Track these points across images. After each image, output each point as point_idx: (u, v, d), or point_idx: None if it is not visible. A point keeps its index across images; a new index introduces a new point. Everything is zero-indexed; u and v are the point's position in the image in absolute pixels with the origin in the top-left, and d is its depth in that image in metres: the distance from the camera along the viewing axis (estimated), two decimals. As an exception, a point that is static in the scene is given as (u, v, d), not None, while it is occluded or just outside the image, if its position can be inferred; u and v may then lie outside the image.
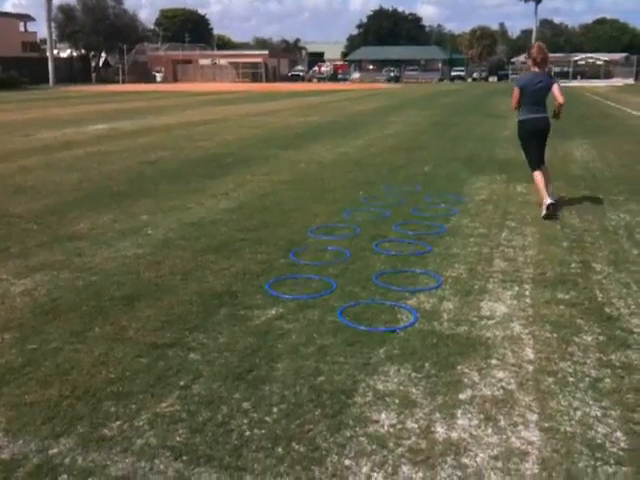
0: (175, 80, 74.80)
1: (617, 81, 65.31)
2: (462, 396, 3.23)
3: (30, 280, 4.93)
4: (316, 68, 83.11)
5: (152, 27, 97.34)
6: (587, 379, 3.40)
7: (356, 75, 79.94)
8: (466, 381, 3.38)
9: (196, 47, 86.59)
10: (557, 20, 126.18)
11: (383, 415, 3.06)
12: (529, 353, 3.71)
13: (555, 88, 7.15)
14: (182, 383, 3.35)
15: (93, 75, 69.77)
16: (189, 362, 3.59)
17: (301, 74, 79.74)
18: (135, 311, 4.32)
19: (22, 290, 4.71)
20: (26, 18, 78.08)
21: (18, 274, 5.07)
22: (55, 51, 66.45)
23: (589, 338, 3.90)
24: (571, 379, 3.40)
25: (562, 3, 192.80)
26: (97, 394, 3.22)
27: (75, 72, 68.06)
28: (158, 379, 3.38)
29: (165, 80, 74.04)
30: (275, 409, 3.11)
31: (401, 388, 3.32)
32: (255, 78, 74.77)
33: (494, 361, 3.61)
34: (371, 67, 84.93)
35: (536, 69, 7.15)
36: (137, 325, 4.08)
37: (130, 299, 4.54)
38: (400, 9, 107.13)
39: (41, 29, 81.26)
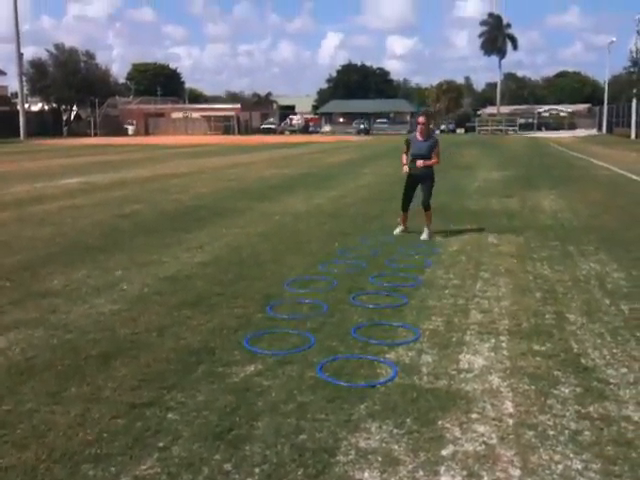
0: (147, 133, 75.12)
1: (581, 132, 67.19)
2: (444, 452, 3.23)
3: (4, 339, 4.84)
4: (288, 121, 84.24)
5: (124, 81, 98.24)
6: (567, 432, 3.42)
7: (327, 128, 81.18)
8: (448, 436, 3.38)
9: (168, 100, 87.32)
10: (520, 73, 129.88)
11: (366, 474, 3.04)
12: (509, 406, 3.73)
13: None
14: (161, 444, 3.30)
15: (65, 128, 69.77)
16: (168, 422, 3.54)
17: (273, 127, 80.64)
18: (111, 370, 4.26)
19: (-5, 350, 4.62)
20: (-3, 72, 78.31)
21: (-9, 333, 4.97)
22: (26, 105, 66.45)
23: (567, 390, 3.94)
24: (551, 432, 3.42)
25: (524, 56, 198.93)
26: (75, 457, 3.15)
27: (46, 125, 68.03)
28: (136, 440, 3.32)
29: (137, 133, 74.34)
30: (257, 470, 3.07)
31: (383, 445, 3.30)
32: (227, 131, 75.44)
33: (475, 415, 3.62)
34: (341, 120, 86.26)
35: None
36: (114, 384, 4.02)
37: (106, 357, 4.48)
38: (368, 64, 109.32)
39: (12, 83, 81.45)
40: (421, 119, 8.86)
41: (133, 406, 3.71)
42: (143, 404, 3.74)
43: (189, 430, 3.44)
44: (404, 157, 8.92)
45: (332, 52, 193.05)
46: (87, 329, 5.08)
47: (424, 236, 8.72)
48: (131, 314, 5.46)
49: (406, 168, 8.85)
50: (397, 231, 9.13)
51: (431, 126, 9.24)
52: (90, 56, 76.14)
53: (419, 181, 8.91)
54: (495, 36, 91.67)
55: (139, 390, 3.93)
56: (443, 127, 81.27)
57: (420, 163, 8.65)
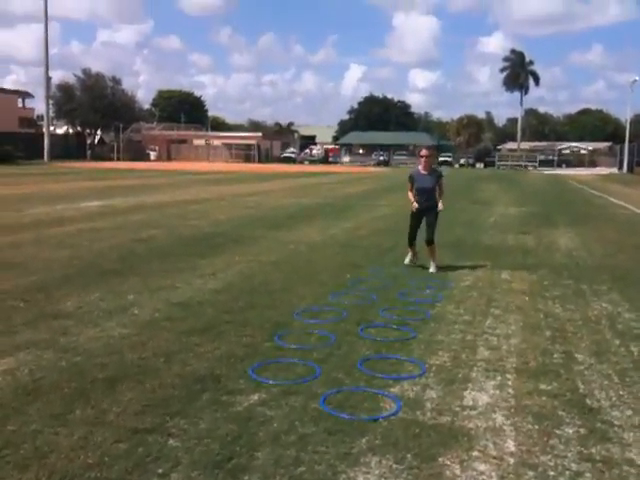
0: (169, 159, 76.02)
1: (601, 170, 66.90)
2: (443, 489, 3.22)
3: (13, 359, 4.91)
4: (308, 150, 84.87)
5: (149, 107, 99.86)
6: (567, 472, 3.40)
7: (346, 158, 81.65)
8: (447, 473, 3.37)
9: (191, 127, 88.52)
10: (542, 109, 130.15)
11: (363, 508, 3.03)
12: (511, 445, 3.71)
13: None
14: (160, 471, 3.32)
15: (88, 152, 70.84)
16: (169, 449, 3.56)
17: (293, 156, 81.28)
18: (117, 394, 4.30)
19: (5, 369, 4.69)
20: (25, 95, 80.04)
21: (2, 352, 5.05)
22: (52, 127, 67.71)
23: (570, 430, 3.91)
24: (552, 473, 3.40)
25: (546, 93, 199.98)
26: (74, 479, 3.18)
27: (70, 148, 69.12)
28: (137, 465, 3.35)
29: (159, 158, 75.24)
30: (254, 499, 3.07)
31: None
32: (248, 159, 76.12)
33: (476, 453, 3.61)
34: (361, 151, 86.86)
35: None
36: (118, 409, 4.06)
37: (112, 381, 4.52)
38: (390, 96, 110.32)
39: (39, 105, 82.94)
40: (424, 152, 8.82)
41: (136, 431, 3.74)
42: (146, 429, 3.77)
43: (189, 457, 3.46)
44: (410, 194, 8.89)
45: (354, 84, 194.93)
46: (96, 352, 5.14)
47: (432, 269, 8.76)
48: (140, 339, 5.52)
49: (416, 204, 8.77)
50: (407, 260, 9.21)
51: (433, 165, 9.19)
52: (116, 81, 77.76)
53: (423, 214, 8.86)
54: (517, 72, 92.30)
55: (143, 415, 3.97)
56: (463, 161, 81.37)
57: (440, 207, 8.77)
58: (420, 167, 8.80)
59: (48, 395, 4.23)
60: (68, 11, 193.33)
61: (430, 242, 8.82)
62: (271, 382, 4.56)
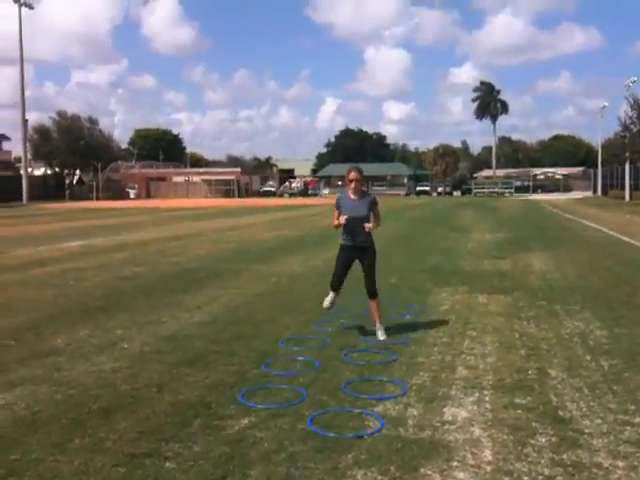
0: (148, 197, 76.14)
1: (576, 194, 68.13)
2: (425, 496, 3.45)
3: (10, 394, 5.08)
4: (287, 184, 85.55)
5: (126, 146, 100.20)
6: (540, 477, 3.65)
7: (325, 191, 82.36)
8: (429, 482, 3.60)
9: (170, 165, 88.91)
10: (515, 137, 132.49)
11: (351, 515, 3.25)
12: (487, 455, 3.95)
13: None
14: (159, 490, 3.51)
15: (67, 192, 70.75)
16: (165, 470, 3.76)
17: (272, 189, 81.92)
18: (112, 423, 4.49)
19: (2, 404, 4.86)
20: (1, 138, 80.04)
21: (-2, 389, 5.21)
22: (29, 169, 67.69)
23: (543, 439, 4.17)
24: (526, 478, 3.64)
25: (518, 120, 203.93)
26: (78, 502, 3.36)
27: (49, 189, 69.07)
28: (136, 487, 3.54)
29: (139, 197, 75.32)
30: (249, 512, 3.27)
31: (368, 490, 3.52)
32: (228, 194, 76.45)
33: (455, 463, 3.84)
34: (340, 183, 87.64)
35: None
36: (114, 436, 4.25)
37: (107, 411, 4.71)
38: (365, 129, 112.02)
39: (16, 148, 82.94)
40: (353, 175, 6.91)
41: (133, 456, 3.94)
42: (142, 454, 3.96)
43: (185, 478, 3.66)
44: (336, 220, 7.00)
45: (330, 117, 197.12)
46: (89, 385, 5.32)
47: (381, 335, 6.83)
48: (132, 371, 5.71)
49: (342, 219, 6.84)
50: (327, 303, 7.33)
51: (364, 188, 7.33)
52: (93, 122, 77.96)
53: (357, 255, 7.04)
54: (488, 102, 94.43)
55: (139, 441, 4.16)
56: (440, 190, 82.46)
57: (369, 226, 6.84)
58: (349, 192, 7.02)
59: (47, 426, 4.41)
60: (40, 53, 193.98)
61: (373, 294, 7.03)
62: (260, 406, 4.77)
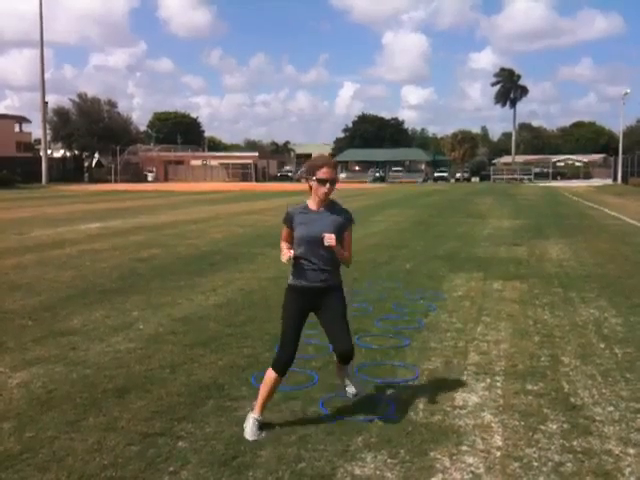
0: (166, 180, 76.44)
1: (596, 181, 67.41)
2: (434, 480, 3.47)
3: (26, 373, 5.17)
4: (304, 168, 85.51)
5: (145, 129, 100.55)
6: (550, 463, 3.65)
7: (343, 175, 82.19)
8: (438, 466, 3.62)
9: (188, 148, 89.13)
10: (535, 123, 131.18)
11: (359, 497, 3.28)
12: (497, 440, 3.96)
13: None
14: (171, 469, 3.57)
15: (86, 175, 71.27)
16: (178, 450, 3.81)
17: (289, 174, 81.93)
18: (126, 402, 4.55)
19: (19, 382, 4.95)
20: (22, 120, 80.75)
21: (15, 367, 5.31)
22: (49, 151, 68.23)
23: (554, 426, 4.17)
24: (535, 464, 3.65)
25: (538, 107, 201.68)
26: (92, 479, 3.42)
27: (68, 171, 69.64)
28: (149, 465, 3.60)
29: (156, 180, 75.66)
30: (258, 492, 3.32)
31: (377, 473, 3.55)
32: (245, 178, 76.59)
33: (465, 447, 3.86)
34: (357, 168, 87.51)
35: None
36: (128, 415, 4.31)
37: (121, 391, 4.77)
38: (382, 114, 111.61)
39: (36, 130, 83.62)
40: (327, 172, 4.22)
41: (146, 435, 3.99)
42: (155, 433, 4.02)
43: (197, 457, 3.71)
44: (283, 245, 4.31)
45: (348, 102, 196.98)
46: (104, 365, 5.39)
47: (351, 389, 4.39)
48: (146, 352, 5.77)
49: (289, 252, 4.14)
50: (250, 431, 4.03)
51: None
52: (112, 105, 78.29)
53: (316, 302, 4.25)
54: (508, 88, 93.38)
55: (152, 421, 4.22)
56: (458, 176, 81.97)
57: (330, 238, 4.05)
58: (309, 201, 4.36)
59: (61, 405, 4.48)
60: (59, 35, 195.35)
61: (349, 356, 4.23)
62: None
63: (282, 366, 4.16)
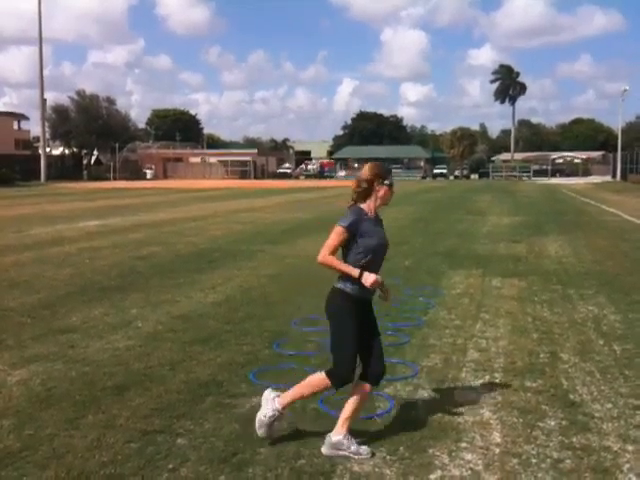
0: (165, 177, 76.36)
1: (595, 178, 67.30)
2: (433, 476, 3.48)
3: (25, 371, 5.17)
4: (303, 165, 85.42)
5: (143, 126, 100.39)
6: (549, 460, 3.65)
7: (342, 173, 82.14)
8: (437, 463, 3.63)
9: (186, 145, 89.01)
10: (534, 120, 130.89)
11: (358, 494, 3.28)
12: (496, 437, 3.97)
13: None
14: (171, 466, 3.57)
15: (84, 172, 71.15)
16: (177, 447, 3.81)
17: (289, 171, 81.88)
18: (125, 400, 4.55)
19: (18, 380, 4.95)
20: (20, 117, 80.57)
21: (14, 365, 5.31)
22: (47, 149, 68.13)
23: (553, 422, 4.18)
24: (534, 460, 3.65)
25: (537, 103, 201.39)
26: (91, 476, 3.43)
27: (67, 169, 69.52)
28: (148, 462, 3.60)
29: (155, 177, 75.54)
30: (258, 489, 3.32)
31: (376, 470, 3.56)
32: (244, 175, 76.48)
33: (464, 444, 3.86)
34: (356, 165, 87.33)
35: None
36: (127, 413, 4.31)
37: (121, 389, 4.77)
38: (381, 111, 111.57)
39: (34, 127, 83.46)
40: (390, 180, 3.97)
41: (145, 432, 4.00)
42: (155, 431, 4.02)
43: (196, 454, 3.71)
44: (340, 266, 4.01)
45: (347, 99, 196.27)
46: (103, 363, 5.39)
47: (325, 450, 3.80)
48: (145, 349, 5.77)
49: (376, 275, 3.87)
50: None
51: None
52: (111, 102, 78.15)
53: (366, 315, 4.06)
54: (507, 85, 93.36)
55: (151, 418, 4.22)
56: (457, 173, 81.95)
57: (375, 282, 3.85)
58: (364, 205, 3.96)
59: (60, 402, 4.49)
60: (57, 32, 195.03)
61: (382, 377, 4.02)
62: (271, 386, 4.80)
63: (342, 384, 3.86)
